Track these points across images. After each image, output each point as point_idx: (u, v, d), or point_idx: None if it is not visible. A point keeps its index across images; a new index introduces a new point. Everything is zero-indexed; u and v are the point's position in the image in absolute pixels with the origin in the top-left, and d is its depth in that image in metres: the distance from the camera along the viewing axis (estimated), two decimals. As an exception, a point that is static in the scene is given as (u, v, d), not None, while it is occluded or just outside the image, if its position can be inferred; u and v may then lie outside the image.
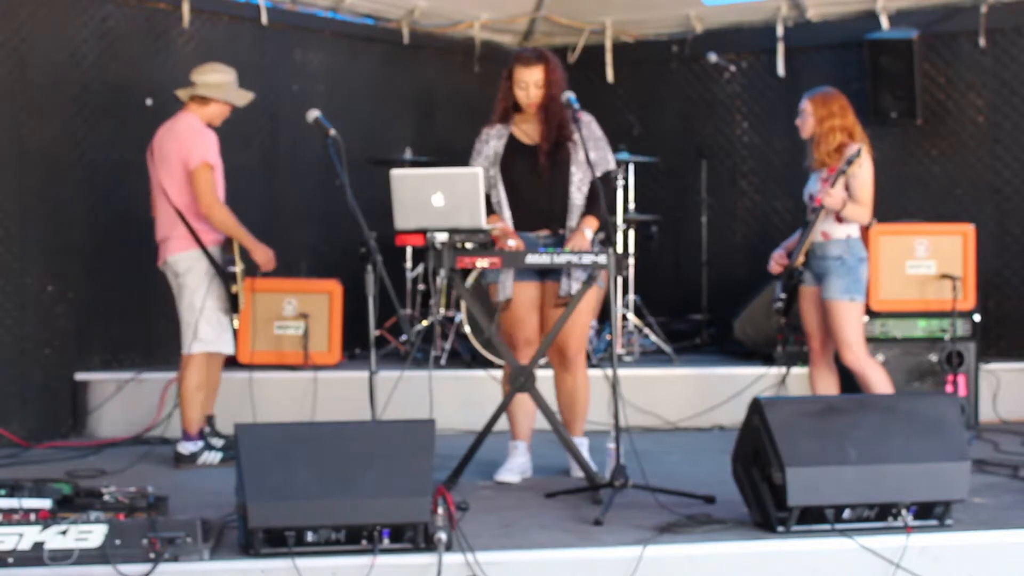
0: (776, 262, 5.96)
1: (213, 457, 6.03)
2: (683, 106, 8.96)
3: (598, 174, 5.48)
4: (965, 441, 4.66)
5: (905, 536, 4.35)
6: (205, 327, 5.95)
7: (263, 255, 6.07)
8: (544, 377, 5.71)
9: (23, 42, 6.62)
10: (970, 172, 7.90)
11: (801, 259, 5.82)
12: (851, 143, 5.78)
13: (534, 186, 5.49)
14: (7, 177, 6.57)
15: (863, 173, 5.76)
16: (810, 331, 5.98)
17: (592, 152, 5.45)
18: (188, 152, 5.89)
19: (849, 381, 6.22)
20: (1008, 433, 6.74)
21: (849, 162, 5.66)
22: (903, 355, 6.92)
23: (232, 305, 5.98)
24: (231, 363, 7.04)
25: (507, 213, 5.52)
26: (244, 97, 6.18)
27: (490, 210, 5.50)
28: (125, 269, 6.88)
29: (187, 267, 5.94)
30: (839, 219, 5.77)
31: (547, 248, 5.41)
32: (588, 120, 5.56)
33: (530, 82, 5.47)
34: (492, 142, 5.59)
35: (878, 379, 5.82)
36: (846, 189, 5.75)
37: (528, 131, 5.56)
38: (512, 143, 5.56)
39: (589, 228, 5.40)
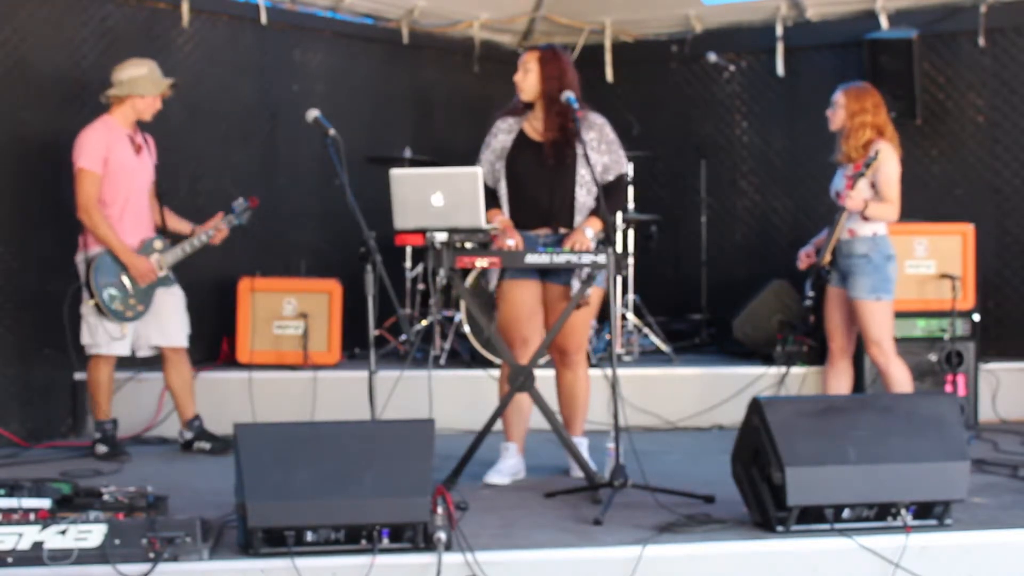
0: (803, 258, 5.97)
1: (205, 445, 6.31)
2: (683, 106, 8.96)
3: (609, 177, 5.48)
4: (964, 441, 4.65)
5: (904, 536, 4.35)
6: (84, 331, 6.10)
7: (136, 269, 6.06)
8: (544, 377, 5.71)
9: (23, 42, 6.62)
10: (970, 172, 7.90)
11: (828, 258, 5.82)
12: (879, 140, 5.78)
13: (537, 183, 5.47)
14: (7, 176, 6.57)
15: (889, 171, 5.77)
16: (831, 331, 5.98)
17: (604, 155, 5.45)
18: (74, 156, 6.03)
19: (857, 383, 6.24)
20: (1008, 433, 6.74)
21: (867, 164, 5.66)
22: (902, 355, 6.85)
23: (99, 310, 6.03)
24: (231, 363, 7.06)
25: (506, 209, 5.51)
26: (156, 86, 6.13)
27: (495, 204, 5.51)
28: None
29: (80, 271, 6.10)
30: (864, 216, 5.77)
31: (546, 247, 5.40)
32: (602, 123, 5.55)
33: (521, 66, 5.50)
34: (501, 136, 5.58)
35: (901, 379, 5.83)
36: (872, 187, 5.76)
37: (537, 127, 5.54)
38: (521, 138, 5.55)
39: (591, 228, 5.39)
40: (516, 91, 5.58)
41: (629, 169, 5.87)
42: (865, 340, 5.86)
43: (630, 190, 8.06)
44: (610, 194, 5.47)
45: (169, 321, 6.22)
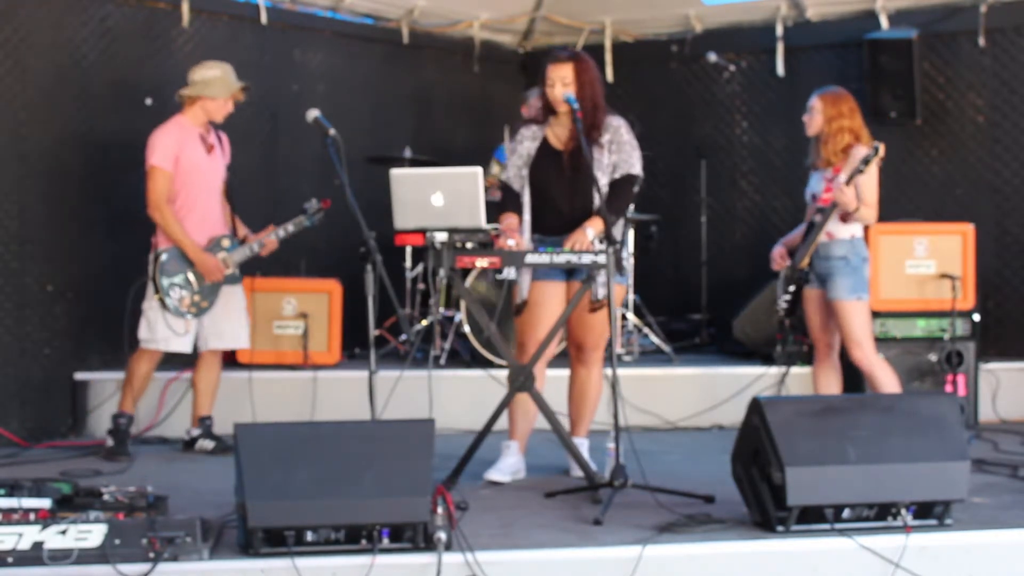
0: (778, 259, 5.96)
1: (208, 444, 6.32)
2: (682, 106, 8.96)
3: (615, 176, 5.47)
4: (965, 441, 4.66)
5: (905, 536, 4.35)
6: (142, 325, 6.13)
7: (203, 266, 6.10)
8: (551, 377, 5.70)
9: (23, 42, 6.62)
10: (970, 172, 7.90)
11: (806, 261, 5.81)
12: (858, 145, 5.78)
13: (558, 190, 5.49)
14: (7, 177, 6.57)
15: (870, 174, 5.77)
16: (815, 333, 5.98)
17: (614, 155, 5.45)
18: (146, 154, 6.07)
19: (851, 381, 6.22)
20: (1008, 433, 6.74)
21: (867, 161, 5.65)
22: (903, 355, 6.92)
23: (164, 305, 6.05)
24: (231, 363, 7.06)
25: (527, 216, 5.51)
26: (227, 89, 6.16)
27: (516, 208, 5.51)
28: (125, 269, 6.87)
29: (148, 267, 6.13)
30: (843, 219, 5.77)
31: (547, 248, 5.39)
32: (618, 125, 5.54)
33: (556, 79, 5.45)
34: (526, 143, 5.59)
35: (886, 379, 5.82)
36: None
37: (560, 135, 5.55)
38: (544, 146, 5.56)
39: (591, 228, 5.37)
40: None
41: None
42: (846, 342, 5.84)
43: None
44: (614, 193, 5.45)
45: (226, 321, 6.27)
